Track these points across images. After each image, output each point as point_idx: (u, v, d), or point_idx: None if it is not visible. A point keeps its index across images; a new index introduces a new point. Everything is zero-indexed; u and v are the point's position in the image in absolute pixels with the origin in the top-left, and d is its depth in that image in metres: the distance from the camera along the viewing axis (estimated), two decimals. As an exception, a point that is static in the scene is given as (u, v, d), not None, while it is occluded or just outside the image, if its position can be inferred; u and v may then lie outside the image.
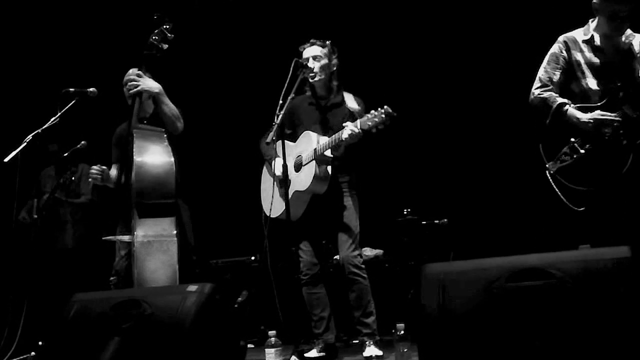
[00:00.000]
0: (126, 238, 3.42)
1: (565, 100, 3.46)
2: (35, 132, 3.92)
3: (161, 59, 3.75)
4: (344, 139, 3.69)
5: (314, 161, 3.86)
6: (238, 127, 6.32)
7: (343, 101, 4.09)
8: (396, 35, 6.10)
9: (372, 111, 3.59)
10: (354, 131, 3.64)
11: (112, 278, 3.69)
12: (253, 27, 6.49)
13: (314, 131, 3.99)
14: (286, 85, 3.75)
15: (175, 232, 3.44)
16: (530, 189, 4.35)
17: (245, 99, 6.43)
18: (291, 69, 3.81)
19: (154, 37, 3.72)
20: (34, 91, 6.03)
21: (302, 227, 4.08)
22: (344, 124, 3.73)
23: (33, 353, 4.33)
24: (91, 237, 5.53)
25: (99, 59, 6.31)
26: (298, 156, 4.04)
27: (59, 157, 5.27)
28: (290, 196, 3.89)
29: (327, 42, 4.15)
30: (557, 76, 3.55)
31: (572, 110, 3.42)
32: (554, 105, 3.46)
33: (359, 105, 4.03)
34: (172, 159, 3.52)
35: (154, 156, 3.51)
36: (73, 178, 5.50)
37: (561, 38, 3.60)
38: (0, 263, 5.11)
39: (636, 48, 3.46)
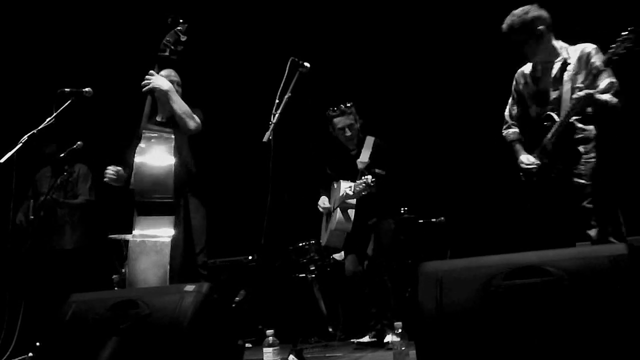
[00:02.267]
0: (130, 237, 3.44)
1: (515, 138, 3.76)
2: (31, 132, 3.91)
3: (176, 60, 3.78)
4: (345, 199, 4.57)
5: (338, 209, 4.62)
6: (235, 127, 6.32)
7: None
8: (395, 36, 6.11)
9: (362, 179, 4.37)
10: (349, 194, 4.49)
11: (114, 277, 3.70)
12: (254, 26, 6.50)
13: (344, 179, 4.68)
14: (282, 84, 3.75)
15: (171, 232, 3.45)
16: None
17: (243, 99, 6.44)
18: (287, 67, 3.81)
19: (167, 39, 3.77)
20: (30, 92, 6.02)
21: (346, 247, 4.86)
22: (345, 188, 4.53)
23: (31, 354, 4.33)
24: (90, 237, 5.52)
25: (104, 61, 6.34)
26: (334, 200, 4.80)
27: (56, 158, 5.25)
28: (330, 230, 4.75)
29: (351, 106, 4.77)
30: (515, 110, 3.81)
31: (516, 148, 3.72)
32: (510, 143, 3.79)
33: (370, 154, 4.71)
34: (173, 160, 3.56)
35: (154, 156, 3.55)
36: (70, 179, 5.48)
37: (517, 73, 3.81)
38: (-2, 264, 5.12)
39: (555, 71, 3.51)
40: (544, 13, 3.51)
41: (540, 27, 3.48)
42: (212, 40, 6.51)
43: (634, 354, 1.81)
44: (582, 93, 3.26)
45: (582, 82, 3.34)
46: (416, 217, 5.49)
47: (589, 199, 3.34)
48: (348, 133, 4.73)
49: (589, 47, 3.43)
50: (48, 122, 3.95)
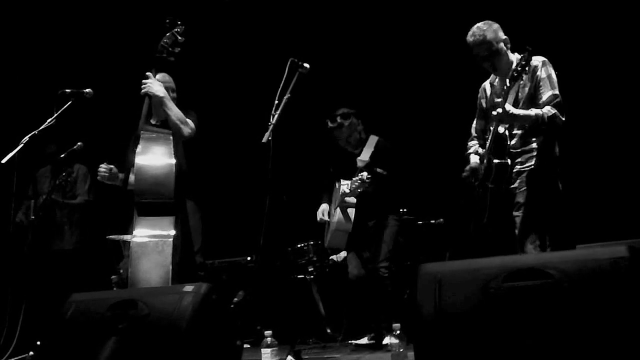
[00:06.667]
0: (129, 237, 3.44)
1: (472, 151, 3.79)
2: (32, 133, 3.92)
3: (174, 62, 3.78)
4: (344, 198, 4.65)
5: (338, 209, 4.66)
6: (234, 128, 6.33)
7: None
8: (394, 36, 6.11)
9: (358, 176, 4.48)
10: (346, 192, 4.60)
11: (113, 277, 3.70)
12: (253, 27, 6.51)
13: (345, 178, 4.67)
14: (282, 85, 3.76)
15: (173, 232, 3.45)
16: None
17: (242, 100, 6.44)
18: (287, 68, 3.82)
19: (165, 41, 3.76)
20: (31, 93, 6.02)
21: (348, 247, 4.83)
22: (342, 184, 4.64)
23: (31, 353, 4.34)
24: (89, 238, 5.52)
25: (104, 62, 6.33)
26: (335, 200, 4.84)
27: (56, 158, 5.25)
28: (331, 231, 4.76)
29: (349, 114, 4.81)
30: (478, 124, 3.86)
31: (470, 158, 3.76)
32: (467, 156, 3.84)
33: (371, 153, 4.74)
34: (173, 161, 3.54)
35: (154, 157, 3.53)
36: (69, 179, 5.48)
37: (481, 87, 3.85)
38: (-1, 264, 5.13)
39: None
40: (500, 30, 3.56)
41: (500, 43, 3.53)
42: (211, 41, 6.52)
43: (634, 357, 1.81)
44: (495, 113, 3.33)
45: (527, 94, 3.44)
46: (415, 219, 5.49)
47: (516, 207, 3.47)
48: (349, 143, 4.84)
49: (537, 61, 3.45)
50: (49, 122, 3.96)
